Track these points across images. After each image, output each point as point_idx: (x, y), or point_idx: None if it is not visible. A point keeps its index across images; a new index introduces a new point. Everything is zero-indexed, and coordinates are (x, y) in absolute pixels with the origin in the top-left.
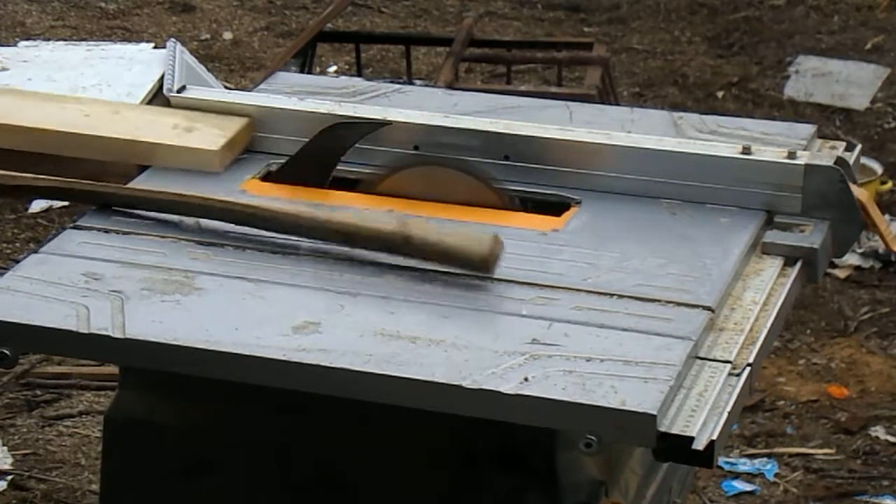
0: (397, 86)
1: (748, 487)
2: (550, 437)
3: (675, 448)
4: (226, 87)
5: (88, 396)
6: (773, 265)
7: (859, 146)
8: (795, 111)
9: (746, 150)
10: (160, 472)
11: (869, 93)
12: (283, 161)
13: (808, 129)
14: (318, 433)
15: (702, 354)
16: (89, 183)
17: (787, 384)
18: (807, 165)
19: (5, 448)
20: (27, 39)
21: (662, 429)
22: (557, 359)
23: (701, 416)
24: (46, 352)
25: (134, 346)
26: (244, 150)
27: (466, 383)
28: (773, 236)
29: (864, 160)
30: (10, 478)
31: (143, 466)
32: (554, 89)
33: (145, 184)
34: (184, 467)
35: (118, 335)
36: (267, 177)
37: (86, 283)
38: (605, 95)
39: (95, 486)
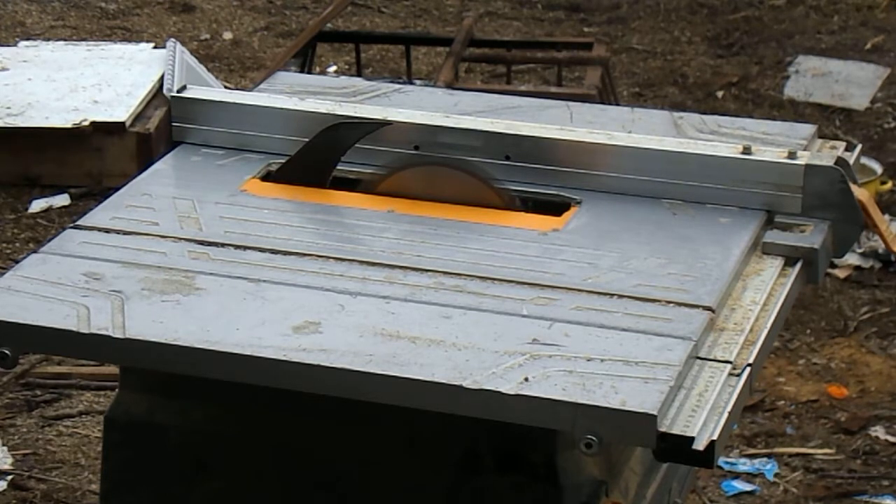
0: (397, 86)
1: (748, 487)
2: (550, 437)
3: (676, 448)
4: (226, 87)
5: (88, 396)
6: (773, 265)
7: (859, 146)
8: (795, 111)
9: (746, 150)
10: (160, 473)
11: (869, 93)
12: (283, 161)
13: (808, 129)
14: (317, 433)
15: (702, 355)
16: None
17: (787, 384)
18: (807, 165)
19: (5, 448)
20: (27, 39)
21: (663, 429)
22: (557, 359)
23: (701, 417)
24: (46, 352)
25: (134, 346)
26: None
27: (467, 383)
28: (773, 236)
29: (864, 160)
30: (10, 478)
31: (143, 467)
32: (554, 89)
33: (146, 183)
34: (184, 467)
35: (118, 335)
36: (267, 177)
37: (86, 283)
38: (605, 95)
39: (95, 486)
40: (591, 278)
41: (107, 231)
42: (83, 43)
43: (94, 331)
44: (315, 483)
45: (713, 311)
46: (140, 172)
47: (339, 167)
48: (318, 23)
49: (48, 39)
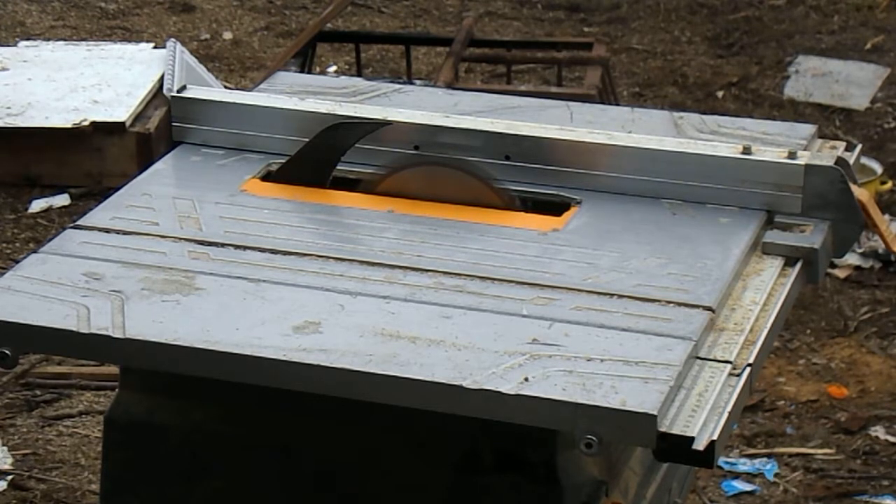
0: (397, 86)
1: (748, 487)
2: (550, 437)
3: (676, 448)
4: (226, 87)
5: (88, 396)
6: (773, 265)
7: (859, 146)
8: (795, 111)
9: (747, 150)
10: (160, 473)
11: (869, 93)
12: (283, 161)
13: (808, 129)
14: (318, 433)
15: (702, 354)
16: None
17: (787, 384)
18: (807, 165)
19: (5, 448)
20: (27, 39)
21: (663, 429)
22: (557, 359)
23: (701, 417)
24: (46, 352)
25: (134, 346)
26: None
27: (467, 383)
28: (773, 236)
29: (864, 160)
30: (10, 478)
31: (143, 467)
32: (554, 89)
33: (146, 183)
34: (184, 467)
35: (118, 335)
36: (267, 177)
37: (86, 283)
38: (605, 95)
39: (95, 486)
40: (591, 278)
41: (107, 231)
42: (83, 43)
43: (94, 331)
44: (315, 483)
45: (713, 311)
46: (140, 172)
47: (339, 167)
48: (318, 23)
49: (48, 39)
